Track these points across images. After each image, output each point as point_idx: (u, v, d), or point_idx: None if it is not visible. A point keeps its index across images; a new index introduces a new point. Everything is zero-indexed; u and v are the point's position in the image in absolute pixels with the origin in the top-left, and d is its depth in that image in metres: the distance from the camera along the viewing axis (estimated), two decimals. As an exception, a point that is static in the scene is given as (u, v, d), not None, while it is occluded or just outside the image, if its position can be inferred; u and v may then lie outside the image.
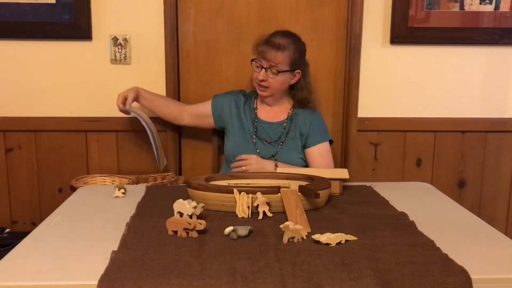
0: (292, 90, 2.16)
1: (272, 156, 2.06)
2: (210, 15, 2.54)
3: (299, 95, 2.13)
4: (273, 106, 2.16)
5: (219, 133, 2.40)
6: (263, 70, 2.00)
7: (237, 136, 2.13)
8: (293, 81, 2.10)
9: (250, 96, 2.22)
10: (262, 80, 2.02)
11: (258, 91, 2.08)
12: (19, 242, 1.31)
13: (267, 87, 2.04)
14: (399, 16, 2.48)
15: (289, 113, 2.13)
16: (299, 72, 2.09)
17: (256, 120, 2.13)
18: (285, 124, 2.10)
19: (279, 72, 2.00)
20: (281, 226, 1.29)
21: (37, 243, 1.30)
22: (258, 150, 2.08)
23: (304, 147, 2.12)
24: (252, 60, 2.06)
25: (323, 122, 2.18)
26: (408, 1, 2.46)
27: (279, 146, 2.06)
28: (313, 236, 1.27)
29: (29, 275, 1.11)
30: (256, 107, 2.17)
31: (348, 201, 1.66)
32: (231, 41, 2.54)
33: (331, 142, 2.18)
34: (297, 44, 2.06)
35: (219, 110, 2.22)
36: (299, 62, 2.07)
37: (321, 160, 2.08)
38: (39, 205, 2.60)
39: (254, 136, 2.10)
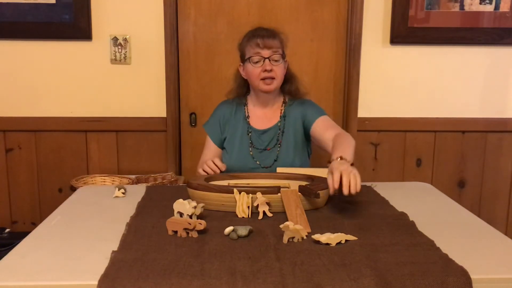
0: (282, 84, 2.03)
1: (275, 161, 1.98)
2: (210, 15, 2.54)
3: (291, 87, 2.03)
4: (267, 107, 2.03)
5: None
6: (267, 60, 1.89)
7: (234, 152, 2.02)
8: (285, 72, 2.00)
9: (238, 104, 2.06)
10: (271, 70, 1.90)
11: (265, 87, 1.93)
12: (19, 242, 1.30)
13: (273, 78, 1.92)
14: (399, 16, 2.48)
15: (281, 110, 2.03)
16: (287, 61, 2.01)
17: (250, 130, 2.01)
18: (279, 124, 2.01)
19: (281, 56, 1.92)
20: (281, 226, 1.29)
21: (37, 243, 1.30)
22: (258, 162, 1.98)
23: (308, 132, 2.00)
24: (248, 59, 1.92)
25: (314, 104, 2.05)
26: (408, 1, 2.46)
27: (278, 149, 2.00)
28: (313, 236, 1.27)
29: (29, 275, 1.11)
30: (248, 115, 2.03)
31: (348, 201, 1.65)
32: (231, 41, 2.54)
33: None
34: (279, 32, 1.99)
35: (218, 137, 2.06)
36: (285, 50, 1.99)
37: (327, 127, 1.92)
38: (39, 205, 2.60)
39: (250, 149, 2.00)
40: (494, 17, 2.50)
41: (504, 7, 2.49)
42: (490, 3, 2.49)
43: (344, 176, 1.42)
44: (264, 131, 2.01)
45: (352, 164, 1.54)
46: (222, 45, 2.55)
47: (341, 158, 1.55)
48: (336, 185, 1.42)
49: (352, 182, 1.42)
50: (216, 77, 2.58)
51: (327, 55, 2.60)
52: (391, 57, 2.56)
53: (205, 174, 1.83)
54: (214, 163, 1.84)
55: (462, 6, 2.49)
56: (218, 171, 1.83)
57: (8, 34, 2.44)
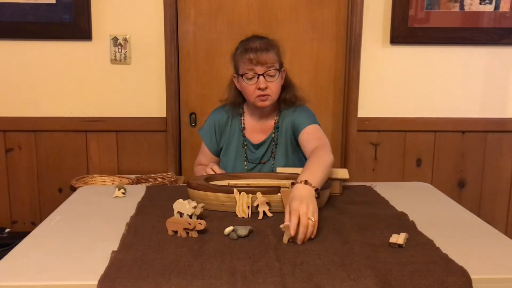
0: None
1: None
2: (210, 15, 2.55)
3: (287, 96, 1.93)
4: (263, 119, 1.94)
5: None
6: (261, 77, 1.79)
7: (229, 165, 1.97)
8: (282, 82, 1.89)
9: (234, 113, 1.97)
10: (265, 88, 1.80)
11: (260, 103, 1.84)
12: (19, 242, 1.30)
13: (269, 95, 1.82)
14: (399, 16, 2.48)
15: (275, 120, 1.94)
16: (284, 70, 1.89)
17: (245, 143, 1.94)
18: (273, 136, 1.94)
19: (277, 71, 1.82)
20: (281, 226, 1.29)
21: (37, 243, 1.30)
22: None
23: (298, 143, 1.91)
24: (241, 75, 1.82)
25: (307, 111, 1.93)
26: (408, 1, 2.46)
27: (272, 162, 1.93)
28: (390, 240, 1.26)
29: (29, 275, 1.11)
30: (244, 126, 1.95)
31: (348, 201, 1.65)
32: (231, 41, 2.53)
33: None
34: (276, 42, 1.88)
35: (214, 147, 2.01)
36: (282, 59, 1.90)
37: (310, 139, 1.80)
38: (39, 205, 2.60)
39: (245, 163, 1.94)
40: (494, 17, 2.50)
41: (504, 7, 2.49)
42: (490, 3, 2.49)
43: (302, 226, 1.28)
44: (259, 145, 1.95)
45: (316, 190, 1.43)
46: (222, 45, 2.55)
47: (306, 182, 1.43)
48: (293, 233, 1.27)
49: (309, 231, 1.29)
50: (216, 77, 2.58)
51: (327, 55, 2.60)
52: (391, 57, 2.56)
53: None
54: (213, 171, 1.81)
55: (462, 6, 2.49)
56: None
57: (8, 34, 2.44)
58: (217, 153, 2.02)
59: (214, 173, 1.80)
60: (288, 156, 1.93)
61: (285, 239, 1.28)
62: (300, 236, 1.28)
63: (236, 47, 1.90)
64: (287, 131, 1.92)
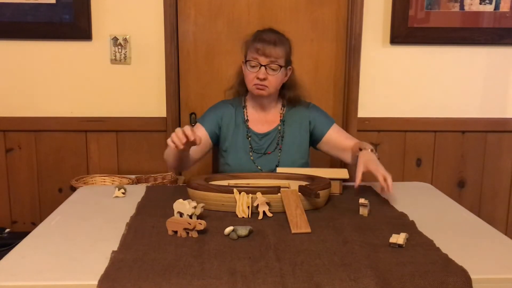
0: (282, 89, 2.02)
1: (276, 166, 1.95)
2: (210, 15, 2.55)
3: (291, 94, 2.01)
4: (265, 110, 2.02)
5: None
6: (263, 68, 1.87)
7: (236, 157, 1.99)
8: (285, 79, 1.98)
9: (238, 106, 2.03)
10: (264, 79, 1.88)
11: (256, 91, 1.91)
12: (19, 242, 1.31)
13: (266, 86, 1.90)
14: (399, 16, 2.48)
15: (281, 114, 2.02)
16: (291, 69, 1.98)
17: (249, 134, 1.99)
18: (279, 128, 2.00)
19: (279, 67, 1.89)
20: (361, 202, 1.50)
21: (37, 243, 1.30)
22: (259, 167, 1.96)
23: (317, 141, 2.03)
24: (246, 62, 1.91)
25: (322, 111, 2.07)
26: (408, 1, 2.46)
27: (279, 154, 1.98)
28: (390, 240, 1.26)
29: (29, 275, 1.11)
30: (247, 118, 2.01)
31: (348, 201, 1.66)
32: (231, 41, 2.54)
33: None
34: (288, 40, 1.98)
35: (212, 130, 2.00)
36: (291, 58, 1.99)
37: (346, 137, 2.02)
38: (39, 205, 2.60)
39: (250, 153, 1.98)
40: (494, 17, 2.50)
41: (504, 7, 2.49)
42: (490, 3, 2.49)
43: (389, 178, 1.67)
44: (264, 135, 2.00)
45: (378, 158, 1.81)
46: (222, 45, 2.55)
47: (372, 150, 1.82)
48: (388, 187, 1.67)
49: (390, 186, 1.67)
50: (216, 77, 2.58)
51: (327, 55, 2.60)
52: (391, 57, 2.56)
53: (173, 146, 1.63)
54: (184, 133, 1.60)
55: (462, 6, 2.49)
56: (184, 140, 1.60)
57: (8, 34, 2.44)
58: (214, 136, 2.01)
59: (183, 135, 1.60)
60: (300, 147, 2.01)
61: (366, 212, 1.50)
62: (391, 186, 1.66)
63: (252, 34, 1.98)
64: (301, 125, 2.02)
